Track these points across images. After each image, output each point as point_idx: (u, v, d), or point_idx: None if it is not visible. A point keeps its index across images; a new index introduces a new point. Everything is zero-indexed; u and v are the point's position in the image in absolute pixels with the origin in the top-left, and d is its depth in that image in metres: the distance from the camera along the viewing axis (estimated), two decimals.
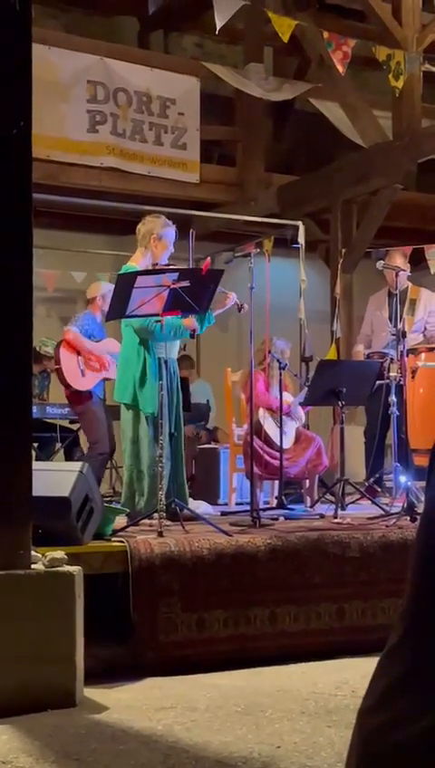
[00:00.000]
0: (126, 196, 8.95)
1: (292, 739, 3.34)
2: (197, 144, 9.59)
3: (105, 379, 7.25)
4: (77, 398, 7.21)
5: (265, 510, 6.03)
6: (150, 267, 5.74)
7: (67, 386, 7.16)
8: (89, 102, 9.04)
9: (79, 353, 7.15)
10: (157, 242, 5.83)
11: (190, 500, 6.07)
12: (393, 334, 6.56)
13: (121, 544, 4.57)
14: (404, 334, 6.37)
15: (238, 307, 5.88)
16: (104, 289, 7.30)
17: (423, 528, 0.91)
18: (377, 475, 7.26)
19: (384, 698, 0.88)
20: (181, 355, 6.21)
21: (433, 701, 0.84)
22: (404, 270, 7.08)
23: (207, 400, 9.51)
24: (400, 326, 6.46)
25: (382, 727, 0.87)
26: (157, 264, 5.79)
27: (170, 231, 5.88)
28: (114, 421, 7.46)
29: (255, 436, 6.19)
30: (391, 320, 7.20)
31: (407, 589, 0.90)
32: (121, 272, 5.60)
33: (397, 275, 6.72)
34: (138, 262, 5.82)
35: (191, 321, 5.68)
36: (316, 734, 3.41)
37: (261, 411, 6.55)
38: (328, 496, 6.70)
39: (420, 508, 4.06)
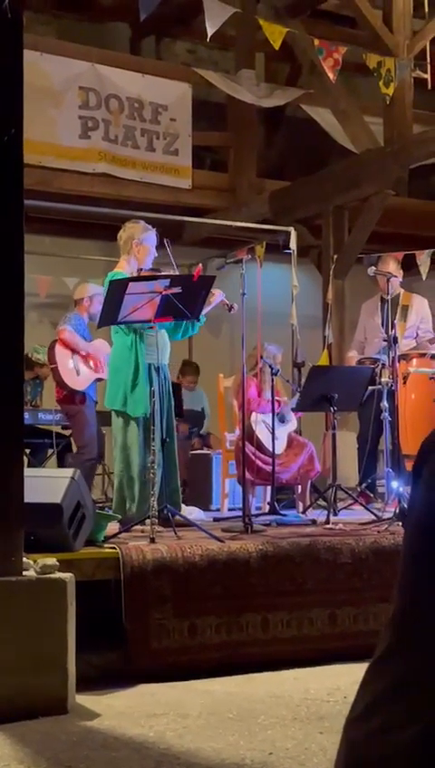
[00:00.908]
0: (118, 202, 8.95)
1: (284, 745, 3.34)
2: (189, 150, 9.60)
3: (98, 380, 7.23)
4: (70, 399, 7.17)
5: (257, 516, 6.03)
6: (136, 273, 5.75)
7: (63, 385, 7.11)
8: (81, 108, 9.04)
9: (74, 352, 7.13)
10: (139, 247, 5.84)
11: (183, 506, 6.06)
12: (385, 340, 6.56)
13: (114, 551, 4.57)
14: (396, 340, 6.38)
15: (228, 307, 5.85)
16: (91, 290, 7.30)
17: (410, 535, 0.91)
18: (369, 481, 7.27)
19: (373, 706, 0.89)
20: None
21: (421, 709, 0.85)
22: (395, 276, 7.08)
23: (202, 408, 9.50)
24: (392, 332, 6.47)
25: (371, 734, 0.87)
26: (142, 270, 5.79)
27: (151, 235, 5.89)
28: (104, 427, 7.45)
29: (247, 442, 6.19)
30: (383, 325, 7.21)
31: (395, 597, 0.90)
32: (108, 280, 5.59)
33: (388, 281, 6.73)
34: (123, 269, 5.83)
35: None
36: (308, 740, 3.40)
37: (253, 416, 6.55)
38: (320, 502, 6.71)
39: None
